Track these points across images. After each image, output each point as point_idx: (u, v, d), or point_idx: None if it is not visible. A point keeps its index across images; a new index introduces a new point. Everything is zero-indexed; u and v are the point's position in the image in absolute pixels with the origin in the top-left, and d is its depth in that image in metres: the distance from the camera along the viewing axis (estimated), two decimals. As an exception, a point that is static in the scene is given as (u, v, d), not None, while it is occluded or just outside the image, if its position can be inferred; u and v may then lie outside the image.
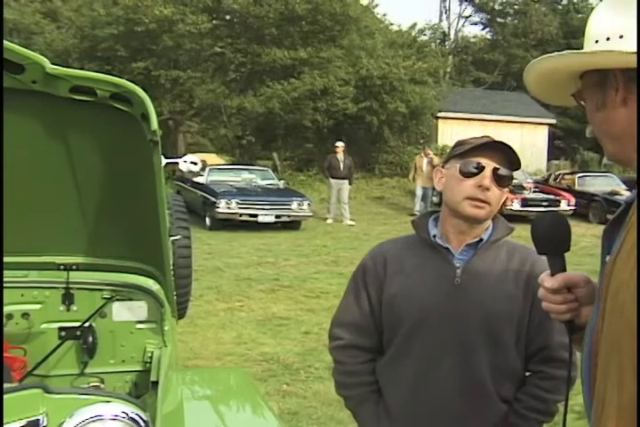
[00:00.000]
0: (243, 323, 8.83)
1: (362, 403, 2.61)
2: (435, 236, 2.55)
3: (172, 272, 3.83)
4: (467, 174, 2.43)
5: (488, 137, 2.51)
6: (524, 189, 21.70)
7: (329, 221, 20.16)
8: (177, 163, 5.72)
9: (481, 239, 2.52)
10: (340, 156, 20.34)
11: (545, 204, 21.37)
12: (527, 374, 2.57)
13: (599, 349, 1.48)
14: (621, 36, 1.56)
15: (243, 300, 10.15)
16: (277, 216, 18.20)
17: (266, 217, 18.04)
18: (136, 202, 3.35)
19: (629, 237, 1.43)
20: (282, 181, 21.38)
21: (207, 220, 18.40)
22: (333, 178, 20.22)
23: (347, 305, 2.67)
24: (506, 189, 2.49)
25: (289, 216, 18.39)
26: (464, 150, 2.46)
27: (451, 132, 31.78)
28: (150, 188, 3.07)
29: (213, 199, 17.98)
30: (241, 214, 17.93)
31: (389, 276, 2.56)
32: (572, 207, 21.48)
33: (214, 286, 10.98)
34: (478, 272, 2.48)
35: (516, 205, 20.73)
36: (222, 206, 17.74)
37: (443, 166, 2.58)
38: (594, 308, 1.64)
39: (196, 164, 5.94)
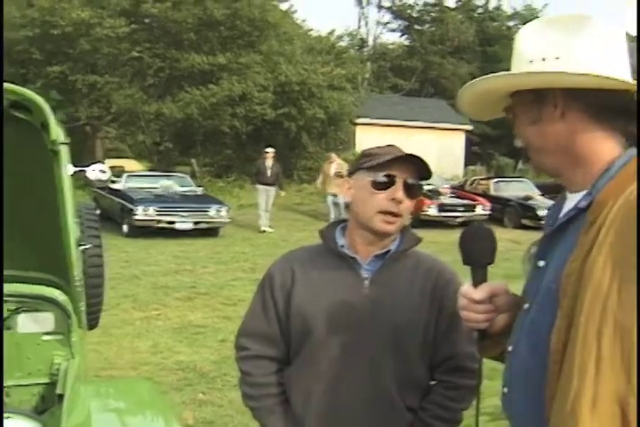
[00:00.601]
0: (159, 332, 8.73)
1: (269, 415, 2.57)
2: (342, 246, 2.54)
3: (80, 282, 3.75)
4: (379, 187, 2.43)
5: (393, 146, 2.52)
6: (440, 194, 21.93)
7: (266, 229, 19.67)
8: (85, 171, 5.62)
9: (389, 250, 2.52)
10: (269, 162, 20.00)
11: (461, 209, 21.64)
12: (433, 382, 2.58)
13: (563, 347, 1.51)
14: (557, 58, 1.66)
15: (159, 308, 10.03)
16: (195, 223, 18.04)
17: (184, 224, 17.87)
18: (38, 212, 3.29)
19: (604, 238, 1.48)
20: (200, 188, 21.25)
21: (125, 227, 18.09)
22: (261, 184, 19.84)
23: (253, 315, 2.63)
24: (413, 201, 2.49)
25: (207, 223, 18.25)
26: (375, 164, 2.44)
27: (369, 138, 32.02)
28: (52, 198, 3.00)
29: (131, 206, 17.72)
30: (159, 221, 17.71)
31: (296, 286, 2.53)
32: (488, 212, 21.79)
33: (131, 295, 10.82)
34: (385, 283, 2.48)
35: (433, 211, 21.00)
36: (140, 213, 17.50)
37: (350, 176, 2.57)
38: (527, 309, 1.73)
39: (104, 172, 5.85)
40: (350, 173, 2.58)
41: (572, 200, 1.70)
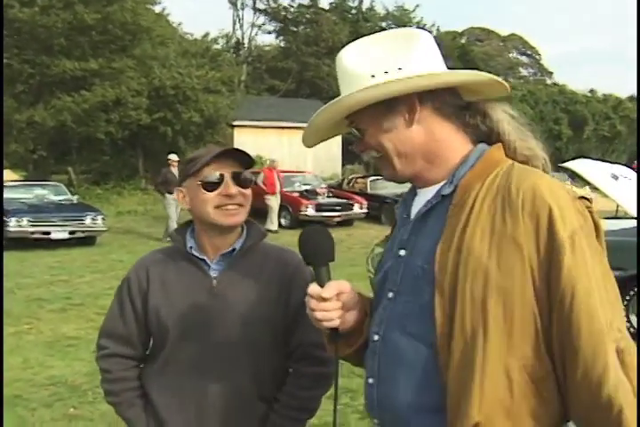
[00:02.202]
0: (30, 346, 8.56)
1: (129, 408, 2.67)
2: (191, 247, 2.63)
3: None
4: (209, 188, 2.53)
5: (211, 145, 2.67)
6: (317, 194, 22.17)
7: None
8: None
9: (234, 249, 2.62)
10: (175, 169, 18.43)
11: (338, 208, 21.89)
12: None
13: (449, 320, 1.66)
14: (400, 69, 1.80)
15: (32, 322, 9.83)
16: (71, 232, 17.73)
17: (59, 233, 17.54)
18: None
19: (478, 215, 1.70)
20: (75, 196, 20.84)
21: (-3, 239, 17.65)
22: (170, 193, 17.86)
23: (111, 317, 2.72)
24: (250, 189, 2.60)
25: (83, 232, 17.97)
26: (199, 167, 2.54)
27: (246, 139, 32.07)
28: None
29: (3, 218, 17.30)
30: (33, 232, 17.34)
31: (152, 288, 2.62)
32: (365, 210, 22.15)
33: (4, 310, 10.56)
34: (233, 280, 2.58)
35: (311, 211, 21.21)
36: (13, 225, 17.10)
37: (180, 185, 2.66)
38: (393, 297, 1.85)
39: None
40: (181, 182, 2.66)
41: (427, 193, 1.87)
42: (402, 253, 1.87)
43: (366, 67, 1.83)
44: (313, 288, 1.87)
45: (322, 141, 2.08)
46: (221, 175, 2.53)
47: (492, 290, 1.61)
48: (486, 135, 1.89)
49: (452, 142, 1.85)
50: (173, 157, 19.17)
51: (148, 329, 2.66)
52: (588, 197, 1.76)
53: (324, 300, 1.85)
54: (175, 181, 18.17)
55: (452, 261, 1.68)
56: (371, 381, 1.87)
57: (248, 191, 2.58)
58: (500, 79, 1.85)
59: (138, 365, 2.73)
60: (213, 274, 2.60)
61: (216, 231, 2.59)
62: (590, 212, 1.72)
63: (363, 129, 1.88)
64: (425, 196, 1.88)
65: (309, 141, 2.05)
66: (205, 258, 2.61)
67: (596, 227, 1.72)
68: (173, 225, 18.41)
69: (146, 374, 2.71)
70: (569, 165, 8.07)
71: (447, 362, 1.66)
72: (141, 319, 2.65)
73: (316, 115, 1.88)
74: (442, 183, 1.83)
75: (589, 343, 1.55)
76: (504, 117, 1.90)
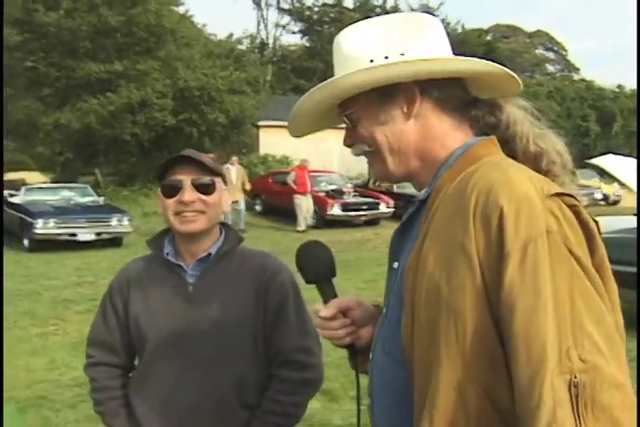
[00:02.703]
0: (56, 347, 8.59)
1: (114, 417, 2.64)
2: (167, 253, 2.61)
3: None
4: (169, 194, 2.51)
5: (188, 150, 2.57)
6: (343, 193, 22.13)
7: None
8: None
9: (210, 253, 2.59)
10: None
11: (365, 207, 21.88)
12: None
13: (411, 343, 1.50)
14: (402, 54, 1.63)
15: (58, 323, 9.88)
16: (98, 234, 17.86)
17: (86, 235, 17.67)
18: None
19: (432, 225, 1.50)
20: (102, 198, 20.96)
21: (25, 241, 17.82)
22: None
23: (96, 325, 2.73)
24: (217, 195, 2.55)
25: (109, 233, 18.09)
26: (160, 172, 2.54)
27: (273, 140, 32.04)
28: None
29: (30, 220, 17.42)
30: (60, 234, 17.49)
31: (132, 295, 2.62)
32: (391, 209, 22.03)
33: (29, 311, 10.64)
34: (209, 286, 2.55)
35: (337, 210, 21.24)
36: (40, 227, 17.25)
37: None
38: (384, 314, 1.70)
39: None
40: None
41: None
42: (395, 265, 1.71)
43: (365, 49, 1.66)
44: (316, 307, 1.83)
45: (311, 132, 1.92)
46: (179, 181, 2.50)
47: (443, 309, 1.41)
48: (494, 127, 1.71)
49: (448, 138, 1.66)
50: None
51: (130, 337, 2.65)
52: (570, 193, 1.47)
53: (326, 319, 1.79)
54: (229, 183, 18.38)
55: (412, 278, 1.51)
56: (369, 402, 1.74)
57: (210, 198, 2.53)
58: (513, 73, 1.66)
59: (124, 373, 2.73)
60: (190, 280, 2.57)
61: (182, 238, 2.58)
62: (577, 212, 1.44)
63: (355, 119, 1.71)
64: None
65: (297, 130, 1.89)
66: (182, 264, 2.59)
67: (586, 230, 1.44)
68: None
69: (130, 383, 2.69)
70: (596, 161, 7.97)
71: (413, 387, 1.51)
72: (124, 327, 2.65)
73: (303, 99, 1.71)
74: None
75: (525, 373, 1.29)
76: (516, 109, 1.73)
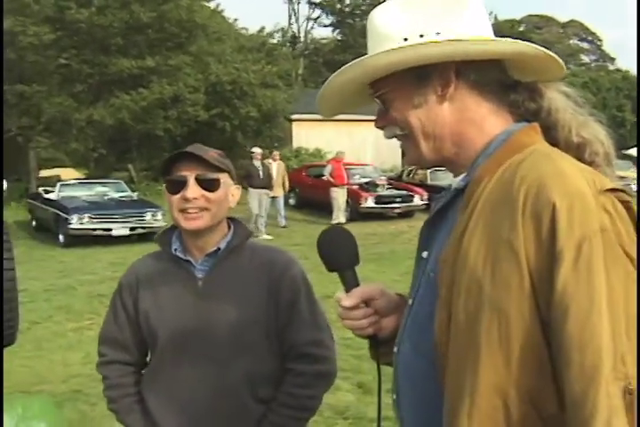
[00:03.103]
0: (91, 342, 8.50)
1: (128, 414, 2.62)
2: (175, 249, 2.57)
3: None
4: (173, 190, 2.46)
5: (192, 146, 2.52)
6: (377, 186, 22.01)
7: (265, 237, 17.84)
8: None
9: (219, 248, 2.55)
10: (259, 162, 18.76)
11: (398, 200, 21.78)
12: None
13: (447, 339, 1.44)
14: (438, 33, 1.55)
15: (93, 317, 9.85)
16: (132, 228, 17.93)
17: (120, 230, 17.75)
18: None
19: (477, 218, 1.43)
20: (136, 193, 21.05)
21: (61, 237, 17.94)
22: (253, 188, 18.40)
23: (107, 322, 2.72)
24: (221, 191, 2.50)
25: (143, 228, 18.10)
26: (163, 168, 2.49)
27: (305, 133, 32.03)
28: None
29: (65, 215, 17.55)
30: (95, 229, 17.59)
31: (141, 292, 2.60)
32: (425, 202, 21.79)
33: (65, 306, 10.69)
34: (219, 281, 2.52)
35: (370, 203, 21.14)
36: (75, 222, 17.36)
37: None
38: (410, 305, 1.64)
39: (-1, 185, 5.78)
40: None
41: (455, 184, 1.62)
42: (424, 254, 1.66)
43: (400, 27, 1.58)
44: (337, 295, 1.76)
45: (340, 112, 1.83)
46: (183, 177, 2.45)
47: (485, 306, 1.35)
48: (535, 114, 1.62)
49: (487, 124, 1.58)
50: (257, 149, 19.24)
51: (141, 334, 2.63)
52: (622, 188, 1.39)
53: (348, 308, 1.73)
54: (257, 174, 18.49)
55: (449, 272, 1.45)
56: (394, 397, 1.69)
57: (214, 194, 2.48)
58: (555, 56, 1.56)
59: (137, 371, 2.71)
60: (199, 275, 2.54)
61: (188, 234, 2.53)
62: (628, 208, 1.37)
63: (388, 100, 1.63)
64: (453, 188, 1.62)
65: (326, 109, 1.81)
66: (190, 259, 2.55)
67: (637, 226, 1.37)
68: (260, 222, 18.35)
69: (143, 379, 2.68)
70: (632, 151, 7.83)
71: (443, 384, 1.45)
72: (134, 324, 2.63)
73: (332, 78, 1.63)
74: (465, 173, 1.59)
75: (579, 380, 1.23)
76: (558, 95, 1.63)
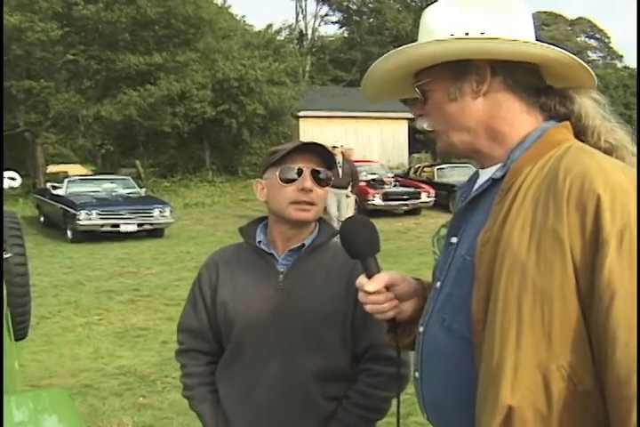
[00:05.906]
0: (100, 337, 8.64)
1: (201, 402, 2.65)
2: (260, 242, 2.59)
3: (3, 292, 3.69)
4: (287, 180, 2.47)
5: (297, 141, 2.56)
6: (384, 183, 22.09)
7: None
8: (-4, 181, 5.56)
9: (303, 244, 2.56)
10: (339, 159, 15.70)
11: (406, 197, 21.77)
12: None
13: (484, 317, 1.53)
14: (482, 33, 1.65)
15: (102, 313, 9.93)
16: (140, 225, 17.94)
17: (128, 226, 17.77)
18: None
19: (521, 204, 1.53)
20: (143, 189, 21.09)
21: (69, 233, 17.97)
22: (332, 187, 15.64)
23: (186, 312, 2.73)
24: (327, 189, 2.53)
25: (151, 224, 18.14)
26: (279, 157, 2.48)
27: (312, 130, 32.04)
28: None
29: (73, 211, 17.57)
30: (102, 225, 17.61)
31: (220, 283, 2.60)
32: (432, 199, 21.91)
33: (73, 301, 10.73)
34: (300, 277, 2.52)
35: (378, 200, 21.15)
36: (83, 218, 17.38)
37: (262, 178, 2.61)
38: (439, 287, 1.74)
39: (14, 179, 5.79)
40: (262, 174, 2.62)
41: (486, 174, 1.74)
42: (453, 240, 1.76)
43: (448, 24, 1.69)
44: (360, 280, 1.84)
45: (383, 99, 1.96)
46: (300, 169, 2.46)
47: (529, 289, 1.45)
48: (565, 118, 1.71)
49: (517, 120, 1.69)
50: (338, 144, 17.51)
51: (218, 324, 2.63)
52: None
53: (370, 293, 1.81)
54: (336, 173, 17.06)
55: (489, 255, 1.54)
56: (417, 375, 1.80)
57: (323, 191, 2.51)
58: (586, 66, 1.67)
59: (214, 360, 2.71)
60: (281, 269, 2.55)
61: (287, 226, 2.54)
62: None
63: (427, 91, 1.75)
64: (484, 177, 1.75)
65: (371, 95, 1.92)
66: (274, 253, 2.57)
67: None
68: (335, 224, 15.49)
69: (217, 369, 2.68)
70: None
71: (480, 362, 1.54)
72: (212, 314, 2.63)
73: (379, 62, 1.75)
74: (499, 165, 1.69)
75: (625, 358, 1.33)
76: (588, 101, 1.74)
